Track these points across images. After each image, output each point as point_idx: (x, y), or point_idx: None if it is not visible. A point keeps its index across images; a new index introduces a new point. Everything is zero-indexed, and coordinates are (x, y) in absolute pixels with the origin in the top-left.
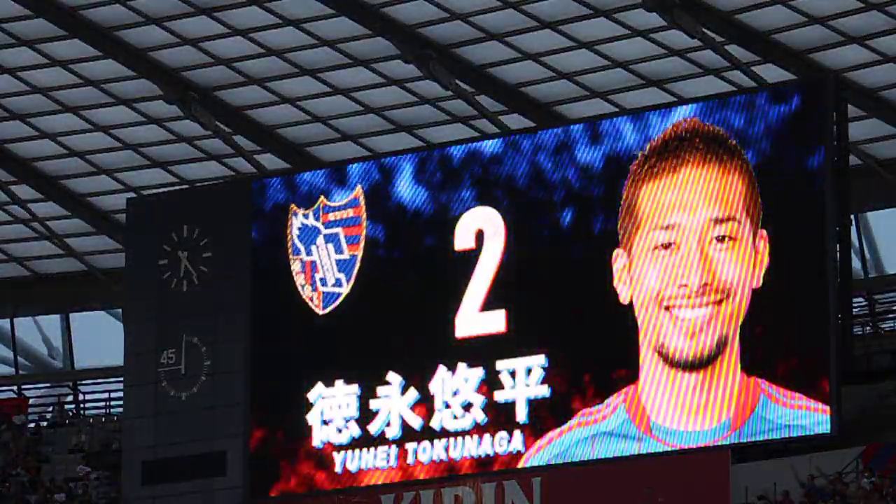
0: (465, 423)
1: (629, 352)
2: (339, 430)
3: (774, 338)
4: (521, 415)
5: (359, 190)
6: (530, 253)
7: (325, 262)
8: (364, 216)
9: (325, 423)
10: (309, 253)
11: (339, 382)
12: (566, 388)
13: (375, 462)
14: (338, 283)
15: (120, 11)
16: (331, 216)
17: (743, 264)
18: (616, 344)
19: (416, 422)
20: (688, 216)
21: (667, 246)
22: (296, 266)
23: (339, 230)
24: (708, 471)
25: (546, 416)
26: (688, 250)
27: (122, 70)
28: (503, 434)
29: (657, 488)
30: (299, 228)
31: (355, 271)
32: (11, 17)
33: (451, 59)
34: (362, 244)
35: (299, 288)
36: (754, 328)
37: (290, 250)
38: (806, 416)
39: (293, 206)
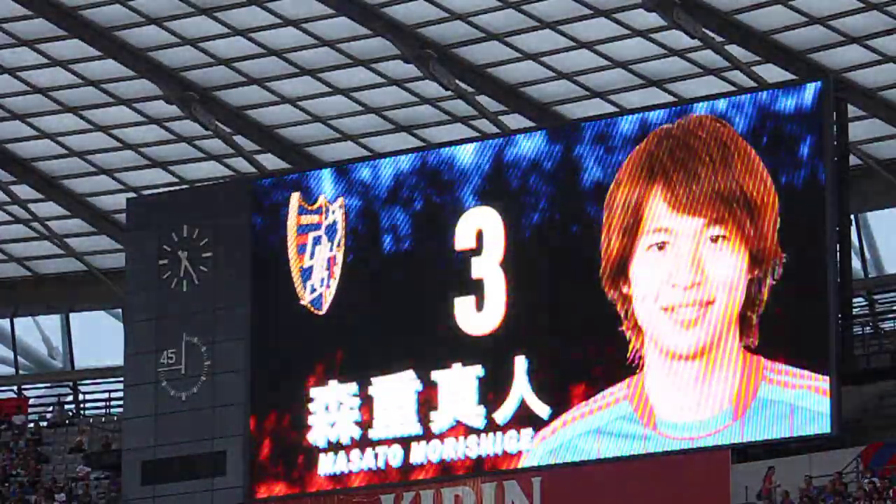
0: (465, 421)
1: (626, 345)
2: (340, 431)
3: (774, 317)
4: (522, 411)
5: (351, 190)
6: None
7: (321, 263)
8: (351, 217)
9: (324, 423)
10: (312, 255)
11: (333, 382)
12: (563, 381)
13: (375, 462)
14: (327, 283)
15: (120, 11)
16: (330, 217)
17: (738, 259)
18: (614, 338)
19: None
20: (683, 218)
21: (661, 246)
22: (299, 267)
23: (335, 229)
24: (708, 471)
25: (546, 409)
26: (680, 251)
27: (122, 70)
28: (503, 432)
29: (657, 488)
30: (303, 227)
31: (340, 268)
32: (11, 17)
33: (451, 59)
34: (349, 243)
35: (307, 292)
36: (754, 311)
37: (295, 252)
38: (807, 396)
39: (299, 202)
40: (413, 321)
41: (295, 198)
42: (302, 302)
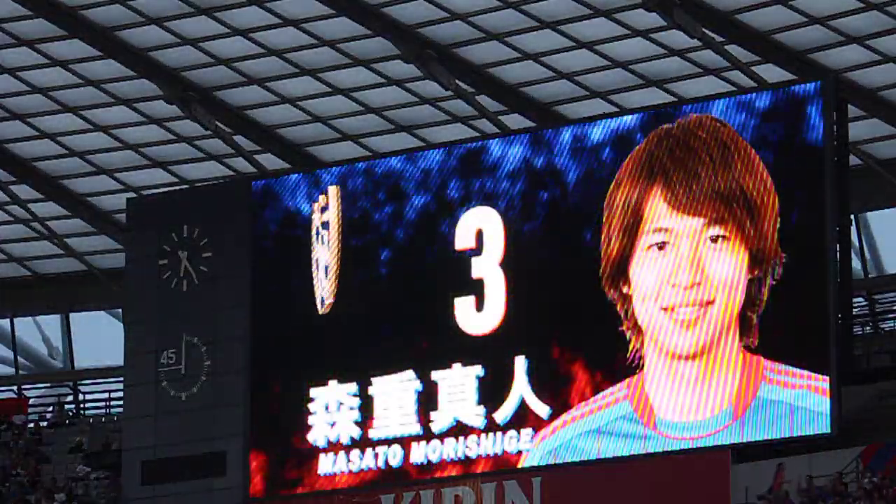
0: (466, 421)
1: (626, 345)
2: (340, 430)
3: (774, 317)
4: (522, 411)
5: (353, 188)
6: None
7: (322, 261)
8: (351, 217)
9: (324, 422)
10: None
11: (333, 382)
12: (563, 381)
13: (375, 462)
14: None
15: (120, 11)
16: (331, 216)
17: (738, 259)
18: (613, 338)
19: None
20: (683, 218)
21: (661, 246)
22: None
23: (334, 229)
24: (708, 471)
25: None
26: (680, 251)
27: (122, 70)
28: (503, 432)
29: (657, 488)
30: (320, 226)
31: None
32: (11, 17)
33: (451, 59)
34: (348, 242)
35: (318, 287)
36: (754, 311)
37: (313, 249)
38: (807, 396)
39: (316, 205)
40: (413, 321)
41: (332, 191)
42: (318, 301)
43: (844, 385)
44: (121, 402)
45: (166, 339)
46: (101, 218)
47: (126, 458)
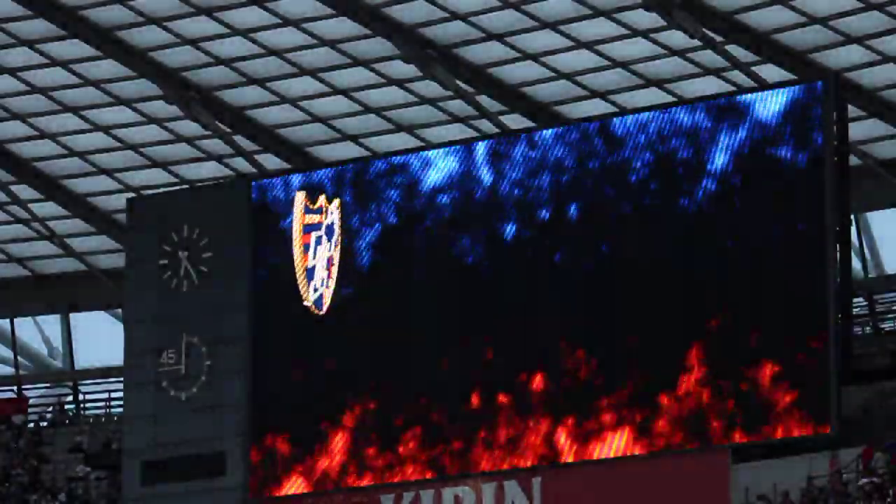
0: None
1: None
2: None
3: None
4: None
5: (350, 191)
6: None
7: (322, 263)
8: (348, 216)
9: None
10: (315, 255)
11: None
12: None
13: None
14: (327, 283)
15: (120, 11)
16: (329, 216)
17: None
18: None
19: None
20: None
21: None
22: (304, 267)
23: (333, 229)
24: (708, 471)
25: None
26: None
27: (122, 70)
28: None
29: (658, 488)
30: (307, 227)
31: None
32: (11, 17)
33: (451, 59)
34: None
35: (310, 293)
36: None
37: (300, 252)
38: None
39: (304, 201)
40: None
41: (300, 196)
42: (305, 303)
43: (844, 385)
44: (121, 402)
45: (166, 339)
46: (101, 218)
47: (126, 458)
